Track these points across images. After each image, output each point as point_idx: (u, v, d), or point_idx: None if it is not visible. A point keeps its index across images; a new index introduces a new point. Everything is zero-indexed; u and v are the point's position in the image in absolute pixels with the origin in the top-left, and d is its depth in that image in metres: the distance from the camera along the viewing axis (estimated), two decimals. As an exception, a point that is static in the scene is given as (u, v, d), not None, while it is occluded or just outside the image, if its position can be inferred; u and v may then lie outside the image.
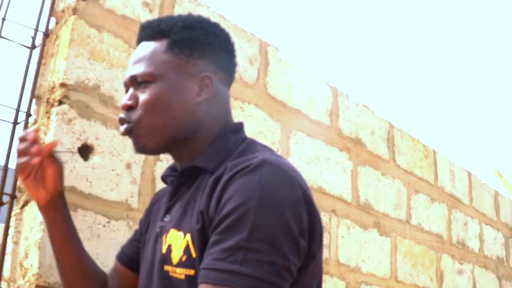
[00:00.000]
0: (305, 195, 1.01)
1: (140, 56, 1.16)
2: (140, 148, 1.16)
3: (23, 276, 1.57)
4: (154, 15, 1.92)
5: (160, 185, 1.76)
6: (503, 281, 3.93)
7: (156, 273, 1.10)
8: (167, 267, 1.07)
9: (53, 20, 1.78)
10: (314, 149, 2.48)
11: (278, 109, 2.35)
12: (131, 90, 1.16)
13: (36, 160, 1.18)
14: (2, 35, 1.67)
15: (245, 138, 1.18)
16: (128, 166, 1.75)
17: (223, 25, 2.14)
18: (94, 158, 1.67)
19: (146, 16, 1.89)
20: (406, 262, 2.93)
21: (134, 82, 1.15)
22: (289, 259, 0.96)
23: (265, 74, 2.32)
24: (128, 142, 1.75)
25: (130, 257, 1.34)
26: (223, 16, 2.17)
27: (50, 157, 1.23)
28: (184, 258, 1.03)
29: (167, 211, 1.17)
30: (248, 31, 2.28)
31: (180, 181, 1.17)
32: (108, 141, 1.71)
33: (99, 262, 1.60)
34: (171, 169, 1.28)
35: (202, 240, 1.01)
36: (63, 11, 1.77)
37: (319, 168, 2.47)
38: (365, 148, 2.77)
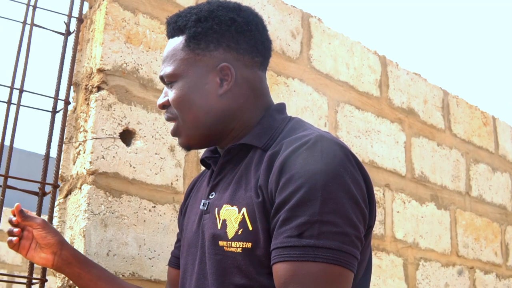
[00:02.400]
0: (359, 165, 1.06)
1: (165, 55, 1.21)
2: (185, 146, 1.23)
3: None
4: (190, -7, 1.86)
5: (205, 167, 1.72)
6: None
7: (209, 249, 1.10)
8: (222, 243, 1.07)
9: (86, 5, 1.75)
10: (364, 121, 2.38)
11: (324, 83, 2.26)
12: (165, 88, 1.22)
13: (16, 230, 1.28)
14: (35, 22, 1.65)
15: (291, 117, 1.20)
16: (172, 149, 1.72)
17: (262, -2, 2.07)
18: (137, 143, 1.64)
19: (181, -6, 1.84)
20: (468, 236, 2.81)
21: (164, 82, 1.21)
22: (359, 228, 1.00)
23: (309, 47, 2.23)
24: (170, 124, 1.71)
25: (178, 257, 1.33)
26: (261, -11, 2.09)
27: (25, 223, 1.29)
28: (240, 232, 1.05)
29: (213, 189, 1.17)
30: (289, 3, 2.19)
31: (226, 159, 1.18)
32: (150, 125, 1.68)
33: (145, 247, 1.59)
34: (211, 151, 1.28)
35: (263, 213, 1.03)
36: (97, -5, 1.74)
37: (369, 141, 2.38)
38: (418, 118, 2.66)
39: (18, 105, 1.59)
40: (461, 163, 2.87)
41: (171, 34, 1.21)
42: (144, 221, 1.61)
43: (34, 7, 1.66)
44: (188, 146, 1.22)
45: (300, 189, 0.98)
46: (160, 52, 1.74)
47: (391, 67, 2.58)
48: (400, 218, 2.44)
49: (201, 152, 1.79)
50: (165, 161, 1.70)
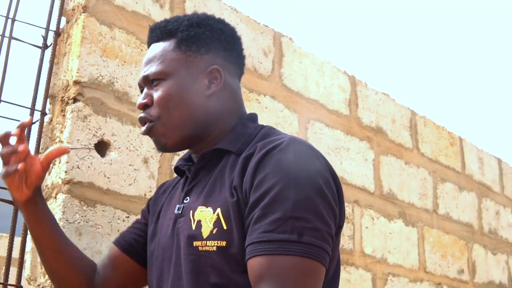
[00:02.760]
0: (329, 167, 1.12)
1: (151, 56, 1.24)
2: (162, 147, 1.23)
3: (44, 275, 1.57)
4: (165, 11, 1.92)
5: (178, 179, 1.76)
6: (539, 271, 3.84)
7: (184, 250, 1.13)
8: (196, 243, 1.10)
9: (63, 19, 1.80)
10: (333, 139, 2.45)
11: (294, 100, 2.33)
12: (145, 90, 1.23)
13: (21, 165, 1.21)
14: (13, 35, 1.69)
15: (263, 125, 1.25)
16: (146, 161, 1.75)
17: (235, 17, 2.14)
18: (111, 154, 1.68)
19: (157, 11, 1.89)
20: (435, 252, 2.87)
21: (147, 81, 1.23)
22: (330, 224, 1.05)
23: (280, 66, 2.30)
24: (145, 137, 1.75)
25: (130, 243, 1.36)
26: (235, 9, 2.16)
27: (32, 155, 1.28)
28: (215, 231, 1.08)
29: (187, 193, 1.21)
30: (261, 23, 2.27)
31: (200, 165, 1.22)
32: (124, 137, 1.71)
33: (119, 257, 1.60)
34: (185, 160, 1.32)
35: (237, 213, 1.08)
36: (73, 9, 1.78)
37: (339, 158, 2.44)
38: (386, 137, 2.73)
39: (-5, 115, 1.62)
40: (428, 181, 2.95)
41: (158, 38, 1.24)
42: (118, 230, 1.63)
43: (13, 20, 1.69)
44: (165, 147, 1.23)
45: (273, 188, 1.03)
46: (135, 66, 1.79)
47: (360, 87, 2.66)
48: (368, 233, 2.50)
49: (174, 163, 1.82)
50: (139, 172, 1.73)
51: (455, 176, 3.15)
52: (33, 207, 1.31)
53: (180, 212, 1.18)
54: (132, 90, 1.76)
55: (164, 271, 1.20)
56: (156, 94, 1.20)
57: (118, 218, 1.65)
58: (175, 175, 1.80)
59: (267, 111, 2.18)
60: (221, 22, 1.28)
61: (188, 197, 1.20)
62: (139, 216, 1.68)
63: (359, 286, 2.38)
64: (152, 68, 1.21)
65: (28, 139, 1.67)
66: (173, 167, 1.81)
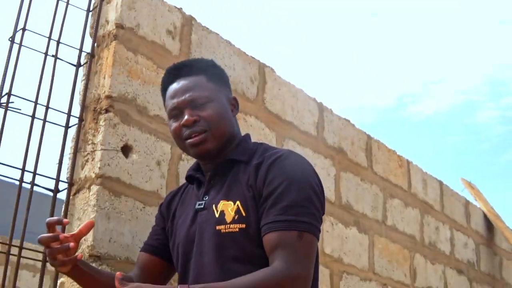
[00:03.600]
0: (315, 172, 1.57)
1: (189, 86, 1.60)
2: (206, 152, 1.59)
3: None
4: (176, 41, 2.34)
5: (183, 180, 2.17)
6: (473, 283, 4.34)
7: (208, 234, 1.51)
8: (219, 227, 1.50)
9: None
10: (303, 155, 2.89)
11: (273, 121, 2.77)
12: (188, 110, 1.57)
13: (73, 245, 1.49)
14: (58, 56, 2.07)
15: (260, 142, 1.71)
16: (158, 164, 2.15)
17: (229, 49, 2.58)
18: (133, 156, 2.07)
19: (170, 42, 2.31)
20: (382, 257, 3.34)
21: (191, 104, 1.57)
22: (320, 212, 1.50)
23: (263, 91, 2.75)
24: (158, 144, 2.15)
25: (154, 245, 1.74)
26: (229, 42, 2.60)
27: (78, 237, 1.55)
28: (236, 217, 1.49)
29: (206, 193, 1.60)
30: (250, 54, 2.71)
31: (215, 171, 1.62)
32: (143, 143, 2.11)
33: (137, 240, 1.99)
34: (194, 170, 1.70)
35: (253, 204, 1.49)
36: (103, 36, 2.18)
37: (308, 171, 2.89)
38: (346, 156, 3.20)
39: (45, 120, 1.99)
40: (380, 196, 3.43)
41: (187, 74, 1.62)
42: (137, 218, 2.03)
43: (58, 42, 2.08)
44: (210, 153, 1.58)
45: (281, 185, 1.46)
46: (152, 86, 2.19)
47: (326, 112, 3.13)
48: (328, 236, 2.95)
49: (180, 167, 2.23)
50: (153, 172, 2.13)
51: (402, 193, 3.65)
52: (77, 273, 1.57)
53: (202, 206, 1.57)
54: (149, 105, 2.16)
55: (187, 255, 1.57)
56: (206, 113, 1.56)
57: (137, 208, 2.04)
58: (180, 176, 2.21)
59: (252, 128, 2.61)
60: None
61: (207, 196, 1.59)
62: (152, 207, 2.08)
63: (319, 279, 2.81)
64: (196, 94, 1.57)
65: (65, 141, 2.05)
66: (179, 170, 2.22)
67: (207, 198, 1.59)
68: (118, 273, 1.38)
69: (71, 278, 1.65)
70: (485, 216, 4.60)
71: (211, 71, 1.65)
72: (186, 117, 1.57)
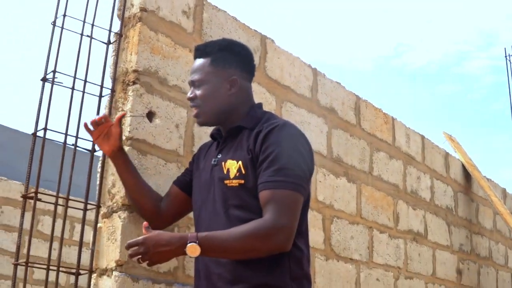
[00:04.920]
0: (306, 140, 1.92)
1: (196, 68, 2.04)
2: (200, 123, 2.05)
3: (111, 199, 2.37)
4: (190, 20, 2.70)
5: (198, 140, 2.58)
6: (451, 227, 4.80)
7: (217, 185, 1.92)
8: (226, 181, 1.89)
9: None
10: (299, 115, 3.30)
11: (273, 86, 3.16)
12: (191, 88, 2.03)
13: (114, 122, 2.13)
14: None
15: (266, 112, 2.08)
16: (177, 126, 2.55)
17: (235, 24, 2.94)
18: (156, 121, 2.47)
19: (184, 20, 2.67)
20: (369, 204, 3.79)
21: (194, 83, 2.03)
22: (307, 175, 1.85)
23: (264, 60, 3.12)
24: (176, 109, 2.55)
25: (182, 181, 2.19)
26: (235, 18, 2.96)
27: (118, 124, 2.13)
28: (237, 174, 1.87)
29: (219, 152, 2.00)
30: (252, 28, 3.07)
31: (227, 134, 2.02)
32: (164, 109, 2.51)
33: (160, 191, 2.41)
34: (217, 129, 2.11)
35: (251, 164, 1.85)
36: (129, 18, 2.54)
37: (303, 130, 3.28)
38: (337, 115, 3.61)
39: (83, 92, 2.38)
40: (367, 150, 3.85)
41: (200, 55, 2.02)
42: (160, 172, 2.44)
43: (92, 24, 2.45)
44: (204, 124, 2.04)
45: (274, 151, 1.80)
46: (171, 60, 2.57)
47: (320, 76, 3.51)
48: (321, 186, 3.38)
49: (195, 129, 2.63)
50: (173, 134, 2.53)
51: (387, 147, 4.07)
52: (120, 157, 2.14)
53: (215, 163, 1.97)
54: (169, 77, 2.55)
55: (204, 197, 1.98)
56: (198, 92, 1.99)
57: (160, 164, 2.45)
58: (195, 137, 2.62)
59: (254, 93, 2.96)
60: (240, 45, 2.09)
61: (220, 154, 1.98)
62: (173, 163, 2.50)
63: (312, 223, 3.26)
64: (196, 76, 1.98)
65: (99, 109, 2.44)
66: (194, 131, 2.62)
67: (219, 156, 1.97)
68: (145, 222, 1.81)
69: (113, 164, 2.21)
70: (463, 166, 5.03)
71: (216, 55, 1.99)
72: (188, 93, 2.03)
